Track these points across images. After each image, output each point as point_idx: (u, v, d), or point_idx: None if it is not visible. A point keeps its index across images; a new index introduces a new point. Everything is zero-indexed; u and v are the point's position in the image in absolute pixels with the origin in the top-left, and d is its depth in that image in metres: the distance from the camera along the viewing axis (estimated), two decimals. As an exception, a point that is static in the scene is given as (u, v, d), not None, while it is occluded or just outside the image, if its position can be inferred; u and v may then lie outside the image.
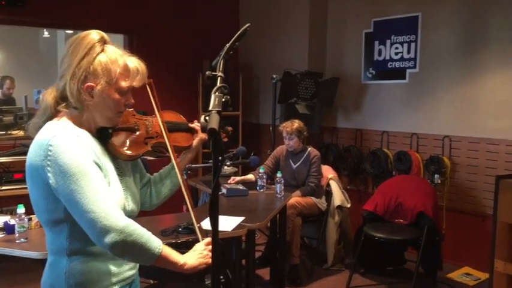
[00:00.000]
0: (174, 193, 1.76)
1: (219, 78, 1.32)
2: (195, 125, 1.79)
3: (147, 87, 1.59)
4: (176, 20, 5.62)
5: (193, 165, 4.08)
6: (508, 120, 3.95)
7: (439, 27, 4.40)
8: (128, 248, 1.30)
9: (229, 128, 4.86)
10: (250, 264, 3.00)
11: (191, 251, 1.47)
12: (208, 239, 1.45)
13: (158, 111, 1.64)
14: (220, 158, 1.17)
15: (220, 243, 1.23)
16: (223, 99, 1.23)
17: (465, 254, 4.30)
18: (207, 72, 1.36)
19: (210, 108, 1.16)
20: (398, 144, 4.79)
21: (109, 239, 1.27)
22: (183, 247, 2.38)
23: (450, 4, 4.30)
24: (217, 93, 1.25)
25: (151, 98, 1.62)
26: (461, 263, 4.31)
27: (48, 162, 1.30)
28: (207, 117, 1.12)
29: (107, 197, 1.32)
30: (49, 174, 1.30)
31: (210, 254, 1.39)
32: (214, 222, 1.17)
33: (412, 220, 3.93)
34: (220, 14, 5.85)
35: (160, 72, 5.46)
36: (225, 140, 4.60)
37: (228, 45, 1.43)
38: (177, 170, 1.62)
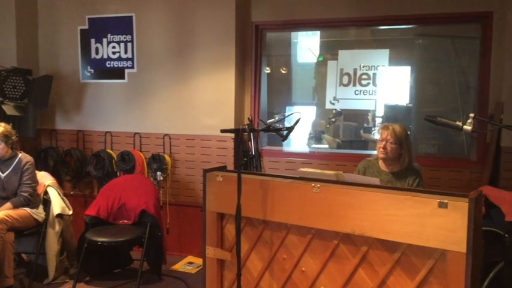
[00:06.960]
0: None
1: None
2: None
3: None
4: None
5: None
6: (217, 118, 4.38)
7: (152, 29, 4.54)
8: None
9: None
10: None
11: None
12: None
13: None
14: None
15: None
16: None
17: (188, 244, 4.60)
18: None
19: None
20: (122, 144, 4.75)
21: None
22: None
23: (160, 8, 4.48)
24: None
25: None
26: (186, 253, 4.60)
27: None
28: None
29: None
30: None
31: None
32: None
33: (135, 219, 3.96)
34: None
35: None
36: None
37: None
38: None
